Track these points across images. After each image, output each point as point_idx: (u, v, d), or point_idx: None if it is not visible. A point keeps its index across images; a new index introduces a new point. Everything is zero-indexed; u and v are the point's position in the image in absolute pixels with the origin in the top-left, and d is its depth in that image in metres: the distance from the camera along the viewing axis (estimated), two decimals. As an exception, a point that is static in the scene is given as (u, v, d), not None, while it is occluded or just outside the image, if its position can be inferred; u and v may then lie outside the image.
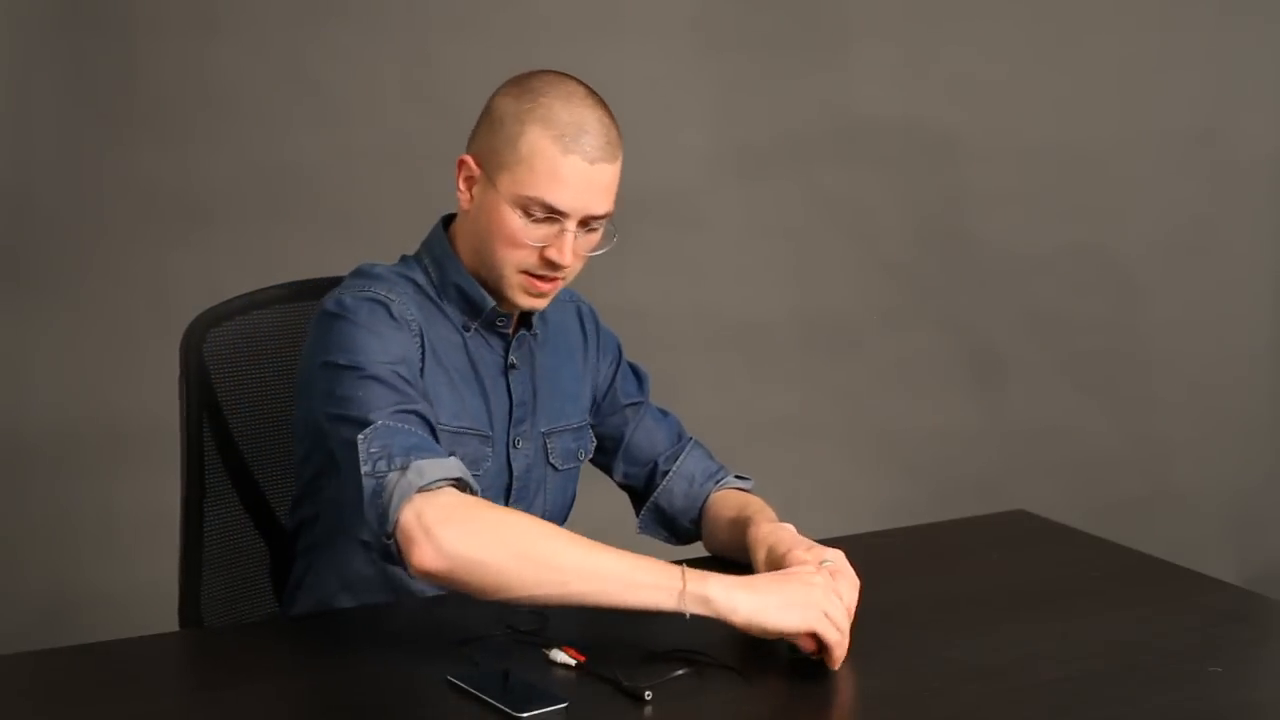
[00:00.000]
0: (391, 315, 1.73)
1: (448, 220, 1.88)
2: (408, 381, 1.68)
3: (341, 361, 1.69)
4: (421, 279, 1.83)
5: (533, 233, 1.74)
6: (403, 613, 1.80)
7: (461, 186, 1.80)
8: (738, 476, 2.03)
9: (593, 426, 2.02)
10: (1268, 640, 1.91)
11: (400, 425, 1.62)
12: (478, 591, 1.56)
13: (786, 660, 1.66)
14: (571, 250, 1.74)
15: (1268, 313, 4.09)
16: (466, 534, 1.54)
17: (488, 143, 1.77)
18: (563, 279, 1.79)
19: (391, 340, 1.71)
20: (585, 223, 1.76)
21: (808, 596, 1.58)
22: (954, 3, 3.76)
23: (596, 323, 2.02)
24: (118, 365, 3.34)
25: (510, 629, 1.67)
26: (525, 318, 1.89)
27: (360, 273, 1.83)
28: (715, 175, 3.69)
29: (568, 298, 2.00)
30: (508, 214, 1.74)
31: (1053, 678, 1.67)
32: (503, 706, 1.48)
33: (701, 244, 3.70)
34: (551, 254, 1.74)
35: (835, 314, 3.80)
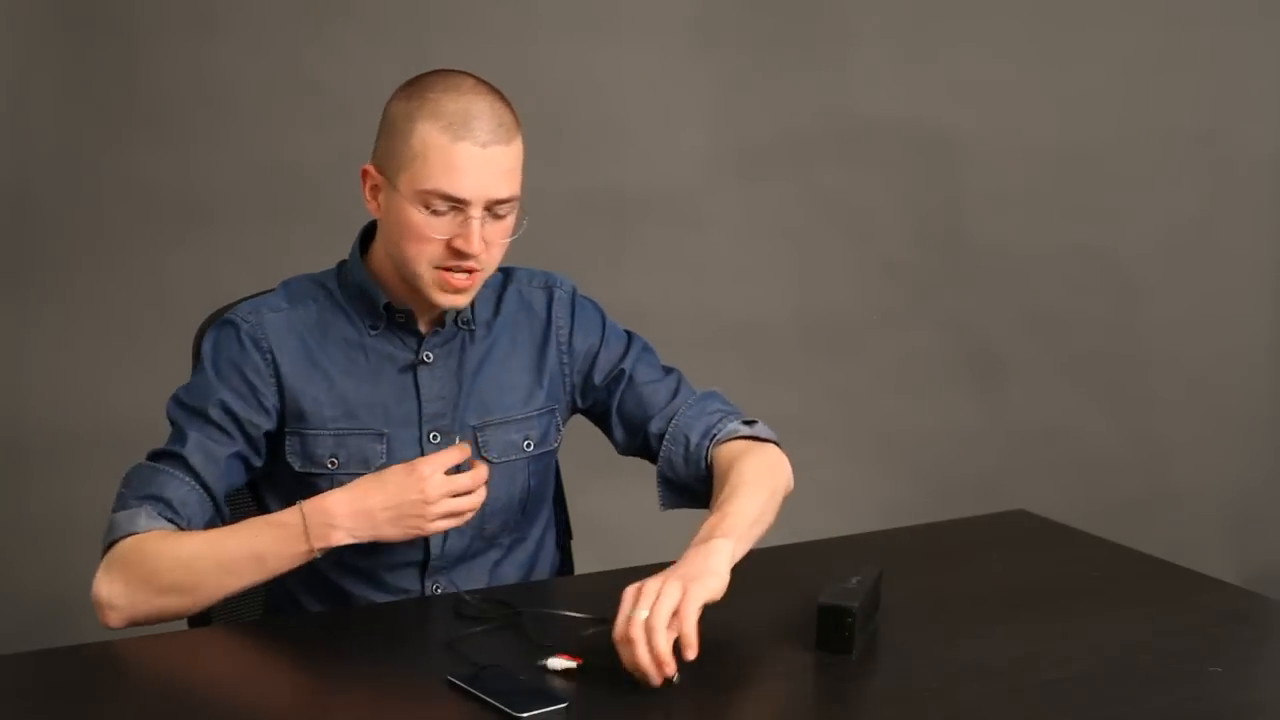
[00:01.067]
0: (239, 338, 1.83)
1: (371, 226, 1.92)
2: (205, 420, 1.80)
3: (175, 391, 1.85)
4: (334, 283, 1.90)
5: (438, 226, 1.76)
6: (403, 613, 1.80)
7: (368, 196, 1.86)
8: (744, 422, 1.93)
9: (584, 409, 2.00)
10: (1268, 640, 1.91)
11: (150, 465, 1.79)
12: (165, 621, 1.74)
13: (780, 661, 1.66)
14: (479, 237, 1.75)
15: (1268, 313, 4.09)
16: (122, 592, 1.72)
17: (384, 148, 1.82)
18: (480, 270, 1.79)
19: (218, 375, 1.82)
20: (490, 209, 1.77)
21: (399, 510, 1.71)
22: (954, 3, 3.75)
23: (572, 303, 1.97)
24: (118, 365, 3.34)
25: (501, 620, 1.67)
26: (458, 314, 1.88)
27: (281, 285, 1.93)
28: (715, 175, 3.68)
29: (541, 283, 1.97)
30: (411, 212, 1.77)
31: (1053, 678, 1.67)
32: (503, 706, 1.48)
33: (701, 244, 3.70)
34: (459, 244, 1.75)
35: (835, 314, 3.80)
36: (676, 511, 2.00)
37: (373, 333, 1.86)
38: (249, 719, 1.54)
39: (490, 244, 1.77)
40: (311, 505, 1.71)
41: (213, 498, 1.79)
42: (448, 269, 1.77)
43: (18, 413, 3.33)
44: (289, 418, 1.83)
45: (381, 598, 1.86)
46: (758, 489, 1.82)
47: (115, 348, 3.35)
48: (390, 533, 1.72)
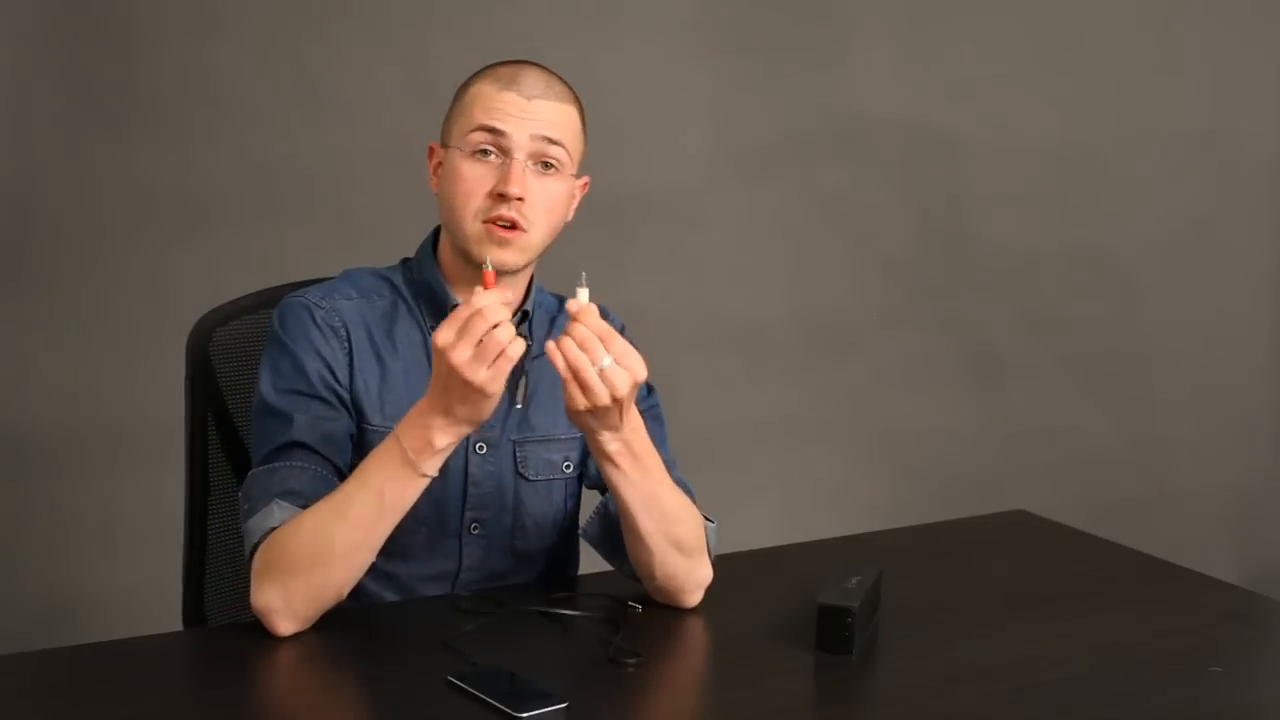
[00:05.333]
0: (314, 321, 1.80)
1: (439, 230, 1.91)
2: (309, 396, 1.76)
3: (260, 384, 1.79)
4: (401, 279, 1.89)
5: (483, 173, 1.77)
6: (403, 613, 1.80)
7: (431, 174, 1.86)
8: (705, 517, 1.88)
9: None
10: (1268, 640, 1.91)
11: (267, 468, 1.72)
12: (331, 603, 1.67)
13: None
14: (520, 180, 1.76)
15: (1268, 313, 4.09)
16: (274, 591, 1.64)
17: (446, 120, 1.84)
18: (526, 229, 1.78)
19: (305, 351, 1.78)
20: (536, 159, 1.78)
21: (461, 397, 1.58)
22: (954, 2, 3.76)
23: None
24: (118, 365, 3.34)
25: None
26: (518, 327, 1.87)
27: (345, 274, 1.90)
28: (715, 175, 3.69)
29: None
30: (460, 162, 1.78)
31: (1053, 678, 1.67)
32: (503, 706, 1.48)
33: (701, 244, 3.70)
34: (500, 186, 1.76)
35: (835, 314, 3.80)
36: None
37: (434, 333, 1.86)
38: (249, 719, 1.54)
39: (535, 198, 1.77)
40: (405, 419, 1.63)
41: (343, 478, 1.72)
42: (493, 220, 1.77)
43: (18, 413, 3.32)
44: (352, 410, 1.81)
45: None
46: (684, 499, 1.81)
47: (115, 347, 3.35)
48: (466, 414, 1.59)
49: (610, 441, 1.67)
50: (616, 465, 1.69)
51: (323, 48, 3.38)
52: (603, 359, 1.59)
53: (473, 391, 1.57)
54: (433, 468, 1.63)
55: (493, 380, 1.57)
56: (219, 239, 3.35)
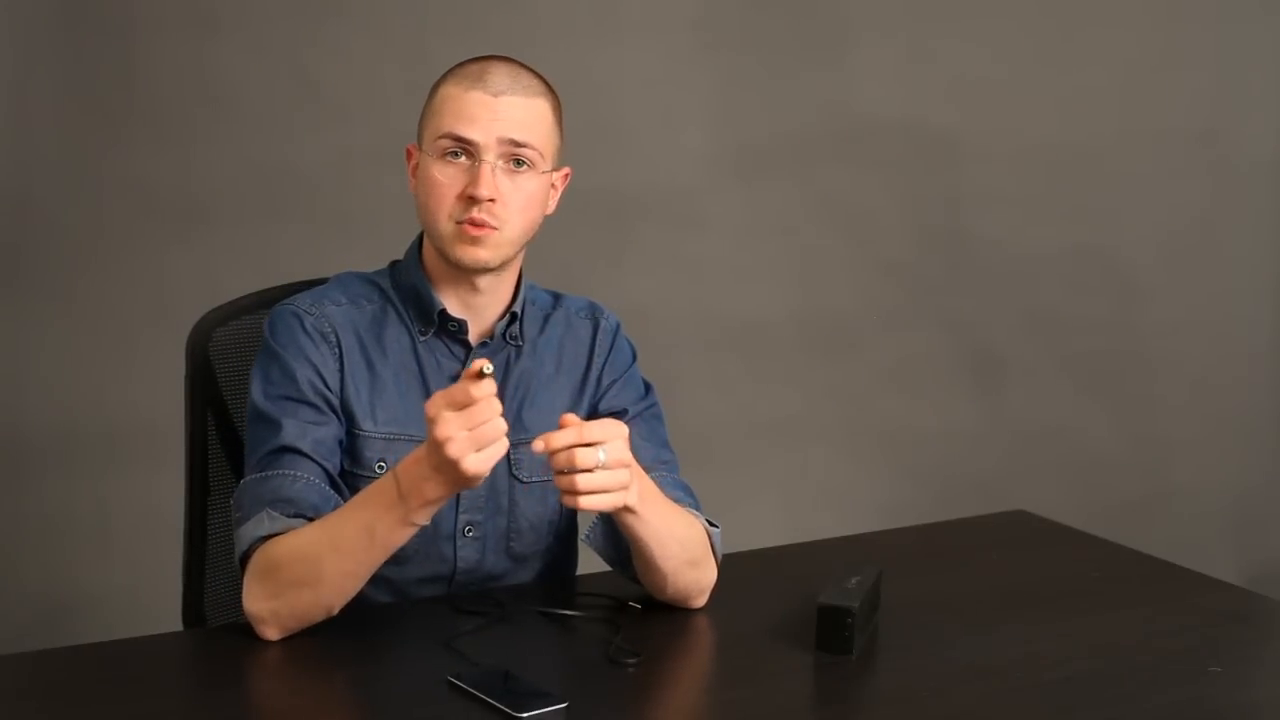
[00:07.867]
0: (304, 328, 1.81)
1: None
2: (299, 402, 1.77)
3: (252, 391, 1.80)
4: (389, 283, 1.89)
5: (453, 175, 1.78)
6: (403, 613, 1.80)
7: (410, 175, 1.86)
8: (709, 521, 1.87)
9: None
10: (1268, 640, 1.91)
11: (258, 476, 1.73)
12: (320, 619, 1.67)
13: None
14: (489, 182, 1.75)
15: (1268, 313, 4.09)
16: (262, 600, 1.65)
17: (420, 121, 1.85)
18: (499, 227, 1.78)
19: (295, 358, 1.79)
20: (506, 159, 1.78)
21: (441, 457, 1.54)
22: (954, 2, 3.75)
23: (614, 338, 1.97)
24: (118, 365, 3.34)
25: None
26: (507, 328, 1.88)
27: (335, 279, 1.91)
28: (715, 175, 3.68)
29: (588, 314, 1.97)
30: (431, 166, 1.79)
31: (1053, 678, 1.67)
32: (503, 706, 1.48)
33: (701, 244, 3.70)
34: (470, 189, 1.77)
35: (835, 314, 3.80)
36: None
37: (422, 338, 1.86)
38: (248, 719, 1.54)
39: (507, 197, 1.77)
40: (406, 459, 1.62)
41: (334, 484, 1.75)
42: (465, 222, 1.77)
43: (18, 413, 3.32)
44: (343, 416, 1.82)
45: None
46: (689, 518, 1.81)
47: (115, 347, 3.35)
48: (455, 476, 1.56)
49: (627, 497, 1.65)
50: (632, 511, 1.68)
51: (323, 48, 3.39)
52: (598, 455, 1.57)
53: (447, 464, 1.54)
54: (423, 518, 1.62)
55: (482, 463, 1.55)
56: (219, 239, 3.35)
